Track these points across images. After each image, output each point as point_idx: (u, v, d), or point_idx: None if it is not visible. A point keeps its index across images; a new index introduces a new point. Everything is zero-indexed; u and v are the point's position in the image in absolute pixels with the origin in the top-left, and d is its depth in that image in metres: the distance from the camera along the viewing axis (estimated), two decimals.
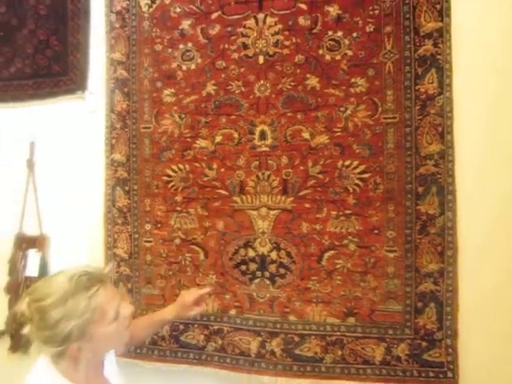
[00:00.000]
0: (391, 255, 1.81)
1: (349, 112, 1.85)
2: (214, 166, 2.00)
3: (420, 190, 1.78)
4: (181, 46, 2.05)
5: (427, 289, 1.77)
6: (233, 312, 1.98)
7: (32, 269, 2.31)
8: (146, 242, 2.09)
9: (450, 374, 1.74)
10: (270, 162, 1.94)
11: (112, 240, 2.14)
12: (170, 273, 2.05)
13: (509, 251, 1.74)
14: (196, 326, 2.02)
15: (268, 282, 1.95)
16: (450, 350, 1.75)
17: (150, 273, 2.08)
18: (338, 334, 1.86)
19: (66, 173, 2.29)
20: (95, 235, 2.18)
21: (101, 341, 1.24)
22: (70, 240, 2.27)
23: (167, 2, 2.08)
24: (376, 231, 1.83)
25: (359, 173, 1.84)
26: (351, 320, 1.85)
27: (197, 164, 2.02)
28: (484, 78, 1.76)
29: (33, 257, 2.33)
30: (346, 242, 1.86)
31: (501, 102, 1.75)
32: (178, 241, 2.05)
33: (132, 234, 2.11)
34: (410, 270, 1.79)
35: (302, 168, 1.90)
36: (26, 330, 1.20)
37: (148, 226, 2.09)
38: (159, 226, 2.08)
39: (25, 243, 2.35)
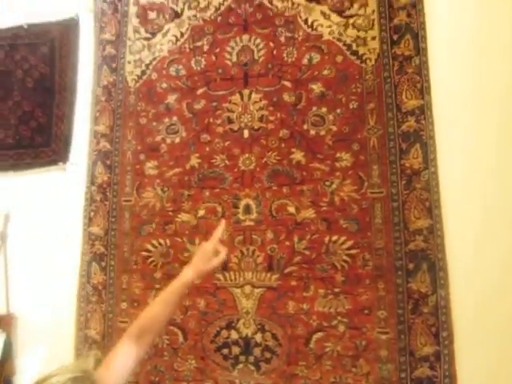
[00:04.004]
0: (383, 337, 1.70)
1: (334, 186, 1.82)
2: (196, 241, 1.92)
3: (410, 266, 1.71)
4: (166, 120, 2.05)
5: (423, 374, 1.65)
6: None
7: None
8: (120, 322, 1.95)
9: None
10: (254, 236, 1.87)
11: (84, 320, 2.00)
12: (146, 357, 1.88)
13: (507, 330, 1.64)
14: None
15: (252, 367, 1.80)
16: None
17: None
18: None
19: (40, 246, 2.18)
20: (66, 314, 2.03)
21: None
22: (40, 320, 2.11)
23: (154, 78, 2.11)
24: (366, 311, 1.72)
25: (347, 248, 1.78)
26: None
27: (178, 239, 1.94)
28: (468, 152, 1.76)
29: None
30: (335, 322, 1.74)
31: (486, 175, 1.74)
32: None
33: (106, 313, 1.97)
34: (404, 353, 1.67)
35: (287, 243, 1.83)
36: None
37: (124, 305, 1.96)
38: (136, 304, 1.95)
39: None
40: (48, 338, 2.08)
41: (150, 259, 1.96)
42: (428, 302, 1.68)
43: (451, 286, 1.68)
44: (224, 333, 1.84)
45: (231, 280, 1.86)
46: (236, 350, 1.82)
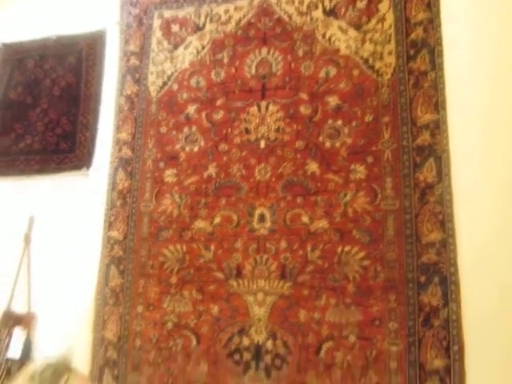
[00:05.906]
0: (393, 348, 1.70)
1: (348, 198, 1.85)
2: (212, 248, 1.96)
3: (422, 279, 1.72)
4: (185, 129, 2.12)
5: None
6: None
7: (15, 349, 2.19)
8: (136, 325, 1.99)
9: None
10: (268, 245, 1.90)
11: (101, 321, 2.05)
12: (159, 360, 1.93)
13: None
14: None
15: (263, 373, 1.82)
16: None
17: (138, 359, 1.95)
18: None
19: (61, 249, 2.25)
20: (85, 316, 2.09)
21: None
22: (58, 319, 2.17)
23: (175, 89, 2.18)
24: (377, 322, 1.74)
25: (359, 259, 1.80)
26: None
27: (194, 245, 1.99)
28: (482, 166, 1.77)
29: (18, 336, 2.21)
30: (345, 333, 1.76)
31: (500, 189, 1.74)
32: (169, 325, 1.95)
33: (123, 315, 2.02)
34: (414, 365, 1.67)
35: (300, 252, 1.86)
36: None
37: (140, 308, 2.01)
38: (151, 308, 1.99)
39: (11, 321, 2.26)
40: (66, 337, 2.14)
41: (166, 264, 2.01)
42: (439, 315, 1.68)
43: (463, 300, 1.68)
44: (236, 339, 1.86)
45: (244, 287, 1.90)
46: (247, 355, 1.84)
